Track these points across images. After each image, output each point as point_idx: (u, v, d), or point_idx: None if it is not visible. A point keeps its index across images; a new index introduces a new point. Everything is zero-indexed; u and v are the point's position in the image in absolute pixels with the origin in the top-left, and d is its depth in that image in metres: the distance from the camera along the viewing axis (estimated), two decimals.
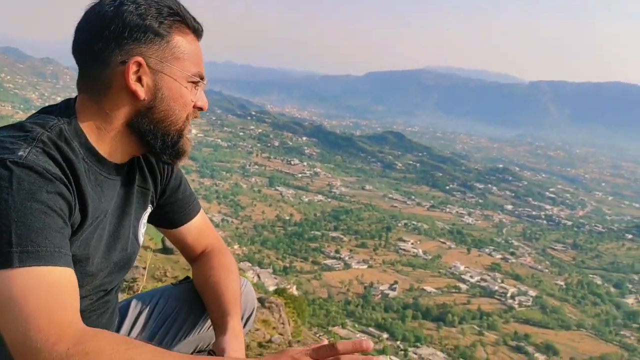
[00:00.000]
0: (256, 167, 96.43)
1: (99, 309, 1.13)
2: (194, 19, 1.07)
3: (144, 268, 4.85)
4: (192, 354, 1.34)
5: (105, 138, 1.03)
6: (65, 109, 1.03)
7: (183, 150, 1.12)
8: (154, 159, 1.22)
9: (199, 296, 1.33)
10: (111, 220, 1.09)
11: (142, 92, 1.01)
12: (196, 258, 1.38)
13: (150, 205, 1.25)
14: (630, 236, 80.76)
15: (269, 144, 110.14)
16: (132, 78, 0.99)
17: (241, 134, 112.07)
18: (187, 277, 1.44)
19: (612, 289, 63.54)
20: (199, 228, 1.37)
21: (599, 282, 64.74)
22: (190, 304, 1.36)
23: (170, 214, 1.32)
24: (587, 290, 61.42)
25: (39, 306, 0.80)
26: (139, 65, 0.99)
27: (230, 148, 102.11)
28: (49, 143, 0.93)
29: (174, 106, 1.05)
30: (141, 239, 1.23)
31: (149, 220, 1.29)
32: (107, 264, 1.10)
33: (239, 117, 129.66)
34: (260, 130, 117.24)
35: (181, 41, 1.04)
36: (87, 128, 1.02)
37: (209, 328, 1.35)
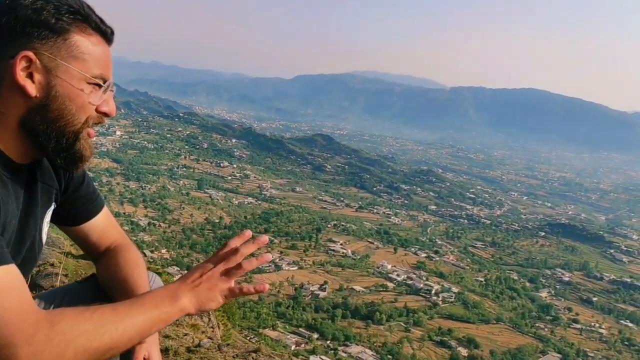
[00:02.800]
0: (184, 169, 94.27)
1: None
2: (101, 20, 1.03)
3: (65, 275, 4.76)
4: None
5: (4, 138, 0.98)
6: None
7: (80, 155, 1.05)
8: (51, 163, 1.15)
9: (106, 293, 1.30)
10: (16, 222, 1.03)
11: (31, 89, 0.96)
12: (100, 255, 1.34)
13: (54, 202, 1.20)
14: (542, 234, 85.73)
15: (197, 146, 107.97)
16: (20, 73, 0.94)
17: (169, 135, 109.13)
18: (93, 275, 1.38)
19: (528, 284, 67.11)
20: (103, 225, 1.34)
21: (516, 278, 68.23)
22: (97, 302, 1.22)
23: (73, 211, 1.28)
24: (504, 286, 64.48)
25: (7, 305, 0.81)
26: (29, 60, 0.94)
27: (157, 150, 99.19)
28: None
29: (69, 106, 0.99)
30: (45, 238, 1.19)
31: (51, 219, 1.24)
32: None
33: (166, 119, 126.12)
34: (188, 132, 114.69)
35: (82, 41, 0.99)
36: None
37: None
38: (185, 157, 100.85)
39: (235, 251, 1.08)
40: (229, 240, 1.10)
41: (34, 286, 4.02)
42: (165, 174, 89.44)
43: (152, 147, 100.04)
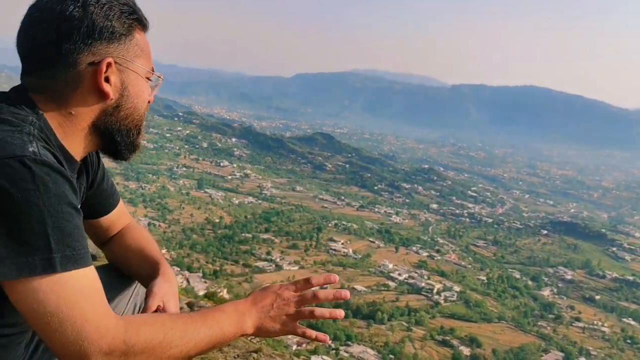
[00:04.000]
0: (184, 169, 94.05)
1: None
2: (143, 15, 1.10)
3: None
4: None
5: (70, 137, 1.02)
6: (24, 103, 0.99)
7: (139, 144, 1.15)
8: (109, 157, 1.21)
9: (106, 282, 1.20)
10: None
11: (111, 92, 1.02)
12: (113, 236, 1.39)
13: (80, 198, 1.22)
14: (545, 232, 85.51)
15: (197, 146, 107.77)
16: (103, 79, 1.00)
17: (168, 135, 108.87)
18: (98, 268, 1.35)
19: (530, 282, 66.88)
20: (118, 215, 1.39)
21: (518, 276, 68.02)
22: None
23: (96, 205, 1.31)
24: (507, 284, 64.28)
25: (86, 311, 0.83)
26: (108, 65, 1.01)
27: (157, 150, 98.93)
28: (42, 139, 0.92)
29: (137, 103, 1.08)
30: None
31: None
32: None
33: (166, 118, 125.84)
34: (187, 132, 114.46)
35: (139, 38, 1.07)
36: (53, 126, 1.00)
37: (121, 313, 1.31)
38: (185, 157, 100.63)
39: (312, 291, 1.11)
40: (312, 277, 1.13)
41: None
42: (165, 173, 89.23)
43: (152, 146, 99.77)
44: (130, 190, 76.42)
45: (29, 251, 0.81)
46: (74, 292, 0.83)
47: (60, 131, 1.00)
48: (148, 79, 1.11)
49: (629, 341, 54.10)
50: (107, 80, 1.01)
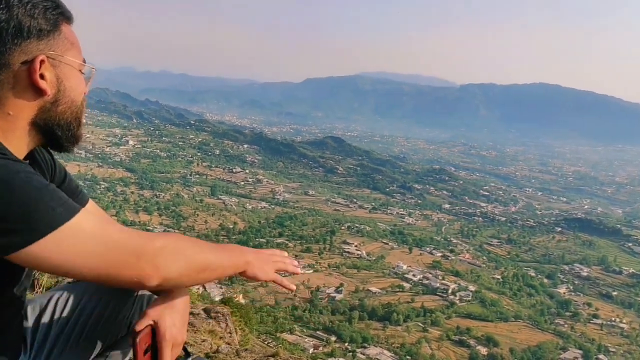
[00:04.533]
0: (197, 176, 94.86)
1: (20, 312, 1.16)
2: (66, 7, 1.10)
3: None
4: (100, 350, 1.31)
5: (10, 137, 1.02)
6: None
7: (80, 135, 1.14)
8: (52, 150, 1.21)
9: (102, 289, 1.30)
10: None
11: (48, 89, 1.02)
12: None
13: None
14: (559, 229, 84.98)
15: (209, 153, 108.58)
16: (38, 76, 1.00)
17: (181, 143, 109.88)
18: None
19: (545, 280, 66.55)
20: None
21: (533, 274, 67.69)
22: (96, 298, 1.30)
23: None
24: (522, 283, 64.01)
25: (118, 237, 0.96)
26: (42, 62, 1.01)
27: (170, 158, 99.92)
28: None
29: (73, 96, 1.08)
30: None
31: None
32: None
33: (178, 127, 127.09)
34: (200, 139, 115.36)
35: (66, 32, 1.07)
36: None
37: (115, 321, 1.30)
38: (197, 164, 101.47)
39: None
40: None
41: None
42: (179, 181, 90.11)
43: (165, 155, 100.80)
44: (145, 199, 77.31)
45: (39, 218, 0.88)
46: (95, 222, 0.95)
47: (0, 135, 1.01)
48: (81, 71, 1.11)
49: None
50: (42, 77, 1.01)
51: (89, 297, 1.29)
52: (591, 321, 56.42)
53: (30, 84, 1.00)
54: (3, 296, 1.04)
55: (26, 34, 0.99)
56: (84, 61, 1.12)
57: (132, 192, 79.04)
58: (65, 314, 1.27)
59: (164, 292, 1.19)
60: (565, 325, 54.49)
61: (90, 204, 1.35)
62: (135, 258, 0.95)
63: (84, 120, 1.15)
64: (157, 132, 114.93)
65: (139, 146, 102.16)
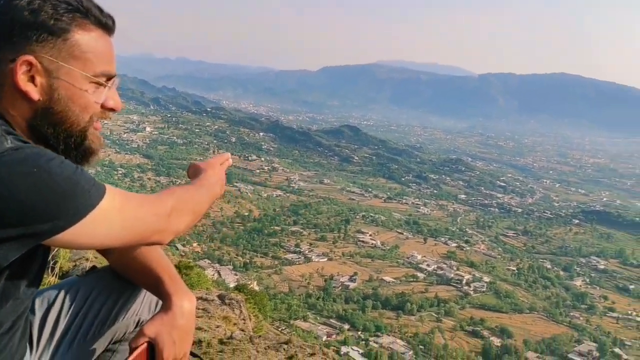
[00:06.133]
0: None
1: (26, 311, 1.09)
2: (101, 12, 1.01)
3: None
4: (108, 345, 1.29)
5: (19, 134, 0.97)
6: None
7: (91, 150, 1.06)
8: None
9: (111, 284, 1.29)
10: None
11: (35, 93, 0.94)
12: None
13: None
14: (576, 221, 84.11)
15: (225, 140, 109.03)
16: (21, 78, 0.93)
17: (197, 130, 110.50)
18: (94, 267, 1.39)
19: (561, 273, 66.08)
20: None
21: (549, 266, 67.25)
22: (105, 293, 1.28)
23: None
24: (537, 275, 63.66)
25: (137, 202, 1.00)
26: (30, 64, 0.93)
27: (187, 145, 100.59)
28: (10, 134, 0.92)
29: (72, 107, 0.99)
30: None
31: None
32: None
33: (195, 114, 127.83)
34: (216, 127, 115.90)
35: (82, 39, 0.97)
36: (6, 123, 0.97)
37: (124, 317, 1.29)
38: (213, 152, 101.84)
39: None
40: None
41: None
42: None
43: (181, 142, 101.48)
44: (162, 185, 77.92)
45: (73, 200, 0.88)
46: (122, 195, 0.97)
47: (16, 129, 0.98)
48: (98, 83, 1.01)
49: None
50: (33, 80, 0.94)
51: (98, 293, 1.27)
52: (607, 314, 55.97)
53: (15, 85, 0.93)
54: (19, 290, 0.99)
55: (18, 31, 0.92)
56: (107, 75, 1.03)
57: (149, 179, 79.85)
58: (73, 308, 1.25)
59: (163, 306, 1.19)
60: (581, 318, 54.13)
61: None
62: (155, 222, 1.01)
63: (96, 132, 1.06)
64: (174, 119, 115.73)
65: (155, 133, 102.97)
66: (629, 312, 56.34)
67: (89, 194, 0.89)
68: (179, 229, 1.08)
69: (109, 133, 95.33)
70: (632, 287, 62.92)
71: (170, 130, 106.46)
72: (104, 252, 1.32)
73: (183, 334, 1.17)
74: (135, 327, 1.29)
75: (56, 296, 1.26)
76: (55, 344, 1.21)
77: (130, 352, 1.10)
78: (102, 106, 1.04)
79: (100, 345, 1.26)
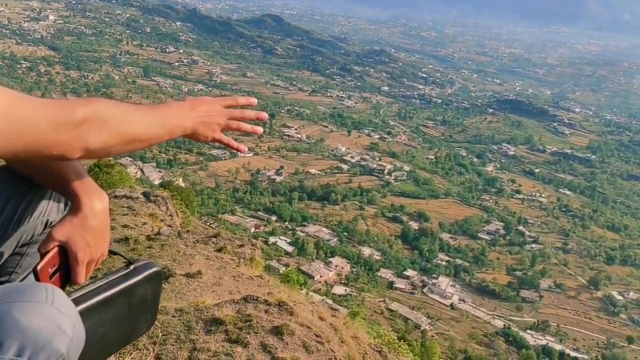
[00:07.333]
0: (128, 56, 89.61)
1: None
2: None
3: None
4: (15, 249, 1.13)
5: None
6: None
7: None
8: None
9: (11, 183, 1.11)
10: None
11: None
12: None
13: None
14: (491, 110, 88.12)
15: (139, 31, 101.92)
16: None
17: (107, 19, 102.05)
18: None
19: (475, 159, 70.13)
20: None
21: (464, 154, 71.07)
22: (5, 193, 1.11)
23: None
24: (454, 162, 67.24)
25: (29, 103, 0.84)
26: None
27: (97, 36, 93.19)
28: None
29: None
30: None
31: None
32: None
33: (103, 1, 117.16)
34: (128, 15, 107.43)
35: None
36: None
37: (29, 218, 1.12)
38: (127, 43, 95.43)
39: (239, 109, 1.18)
40: (237, 96, 1.19)
41: None
42: (108, 61, 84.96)
43: (91, 32, 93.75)
44: (73, 80, 72.91)
45: None
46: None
47: None
48: None
49: (563, 209, 58.81)
50: None
51: None
52: (514, 196, 60.92)
53: None
54: None
55: None
56: None
57: (58, 73, 74.19)
58: None
59: (73, 208, 1.06)
60: (490, 201, 58.61)
61: None
62: (54, 132, 0.85)
63: None
64: (79, 6, 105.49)
65: (60, 22, 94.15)
66: (533, 193, 61.55)
67: None
68: (91, 146, 0.92)
69: (6, 22, 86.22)
70: (537, 170, 68.24)
71: (76, 19, 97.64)
72: None
73: (98, 235, 1.07)
74: (45, 229, 1.16)
75: None
76: None
77: (41, 257, 1.00)
78: None
79: (6, 249, 1.12)
